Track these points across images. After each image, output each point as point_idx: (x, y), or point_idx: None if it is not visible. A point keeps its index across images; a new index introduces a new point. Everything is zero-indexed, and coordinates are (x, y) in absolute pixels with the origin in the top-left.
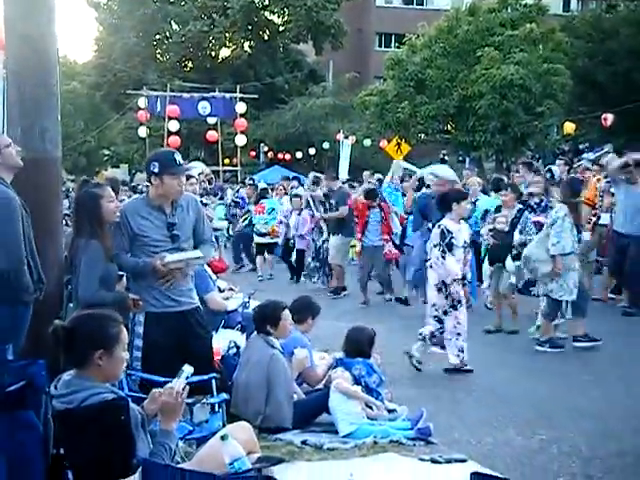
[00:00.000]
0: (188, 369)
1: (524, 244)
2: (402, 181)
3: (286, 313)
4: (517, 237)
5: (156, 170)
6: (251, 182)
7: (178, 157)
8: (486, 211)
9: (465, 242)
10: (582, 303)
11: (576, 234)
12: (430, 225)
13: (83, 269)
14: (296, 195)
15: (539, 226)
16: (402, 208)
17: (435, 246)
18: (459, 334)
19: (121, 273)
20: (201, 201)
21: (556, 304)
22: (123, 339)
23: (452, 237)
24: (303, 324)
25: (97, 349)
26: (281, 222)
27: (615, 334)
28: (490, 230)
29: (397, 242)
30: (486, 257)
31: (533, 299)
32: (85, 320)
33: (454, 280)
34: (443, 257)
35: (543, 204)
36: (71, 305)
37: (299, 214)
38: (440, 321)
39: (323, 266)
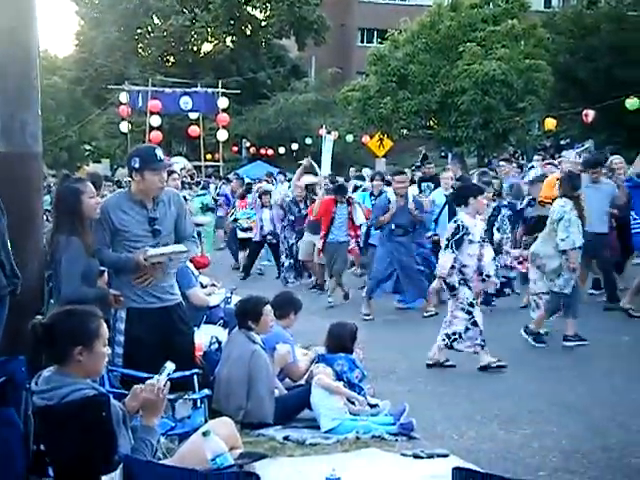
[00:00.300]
0: (170, 366)
1: (500, 242)
2: (372, 180)
3: (268, 308)
4: (497, 235)
5: (137, 166)
6: (236, 176)
7: (159, 153)
8: None
9: (481, 237)
10: (574, 303)
11: (581, 228)
12: (393, 226)
13: (64, 266)
14: (265, 192)
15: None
16: (370, 205)
17: (446, 239)
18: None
19: (103, 269)
20: (184, 196)
21: (558, 298)
22: (103, 334)
23: (466, 233)
24: (285, 319)
25: (77, 345)
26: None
27: (599, 330)
28: None
29: (362, 239)
30: None
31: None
32: (64, 316)
33: (439, 277)
34: (444, 251)
35: (495, 204)
36: (52, 301)
37: (270, 209)
38: (469, 312)
39: (296, 262)
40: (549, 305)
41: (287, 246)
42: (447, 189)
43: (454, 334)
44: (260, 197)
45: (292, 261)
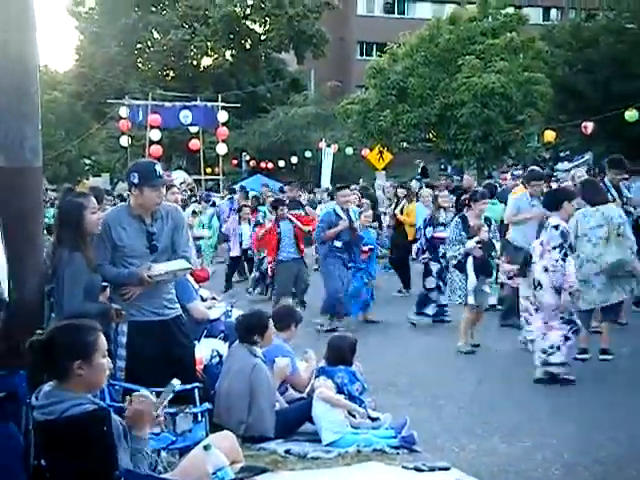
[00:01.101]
0: (175, 382)
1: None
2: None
3: (271, 322)
4: (497, 245)
5: (136, 181)
6: (241, 189)
7: (158, 168)
8: None
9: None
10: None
11: None
12: (339, 244)
13: (67, 282)
14: (245, 205)
15: (440, 242)
16: None
17: (555, 248)
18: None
19: (105, 284)
20: (193, 211)
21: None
22: (102, 346)
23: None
24: (286, 332)
25: (76, 359)
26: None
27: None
28: (477, 242)
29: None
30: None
31: None
32: (60, 332)
33: (570, 287)
34: (564, 260)
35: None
36: (53, 315)
37: (249, 223)
38: (569, 322)
39: (264, 277)
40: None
41: (257, 259)
42: (427, 205)
43: (551, 347)
44: (239, 211)
45: (258, 274)
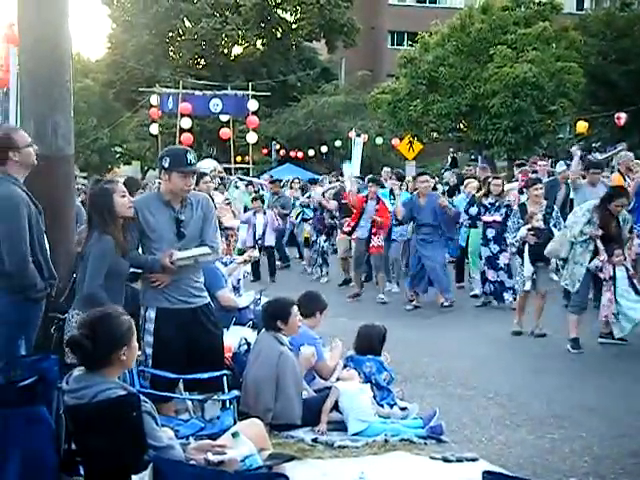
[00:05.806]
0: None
1: None
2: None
3: (295, 309)
4: (557, 232)
5: (166, 165)
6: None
7: (190, 156)
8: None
9: None
10: None
11: None
12: (417, 225)
13: (91, 262)
14: (257, 197)
15: (497, 225)
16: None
17: None
18: None
19: (136, 270)
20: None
21: None
22: (134, 329)
23: None
24: (311, 319)
25: (122, 347)
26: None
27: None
28: (529, 230)
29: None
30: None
31: None
32: (102, 325)
33: None
34: None
35: (497, 204)
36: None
37: (264, 214)
38: None
39: (325, 260)
40: None
41: (318, 245)
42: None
43: None
44: (253, 201)
45: (320, 259)
